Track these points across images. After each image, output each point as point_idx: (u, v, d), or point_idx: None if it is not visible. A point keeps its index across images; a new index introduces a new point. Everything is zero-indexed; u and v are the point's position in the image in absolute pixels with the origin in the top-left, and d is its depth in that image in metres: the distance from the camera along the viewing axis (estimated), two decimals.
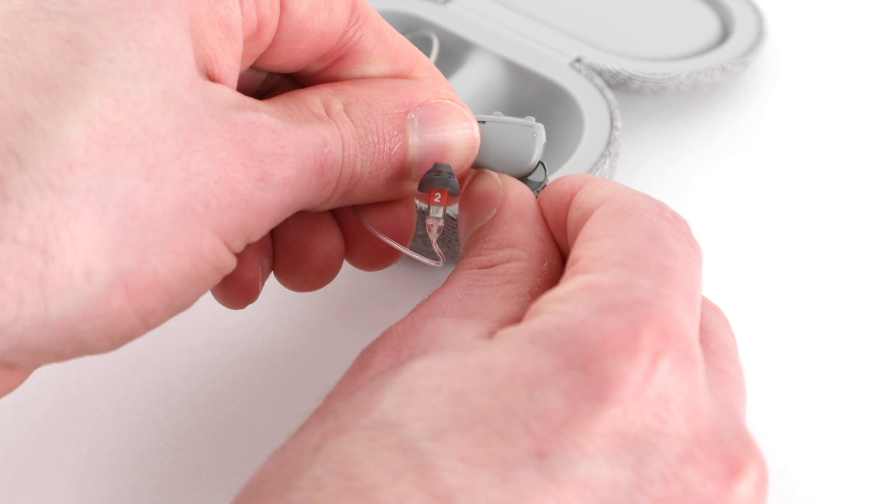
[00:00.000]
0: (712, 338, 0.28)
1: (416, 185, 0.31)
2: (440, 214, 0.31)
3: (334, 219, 0.32)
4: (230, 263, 0.27)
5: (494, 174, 0.31)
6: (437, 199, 0.30)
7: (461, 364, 0.24)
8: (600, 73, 0.44)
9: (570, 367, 0.23)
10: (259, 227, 0.27)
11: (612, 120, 0.42)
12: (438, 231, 0.31)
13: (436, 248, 0.32)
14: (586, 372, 0.23)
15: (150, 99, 0.24)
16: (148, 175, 0.24)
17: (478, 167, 0.32)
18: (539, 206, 0.31)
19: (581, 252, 0.27)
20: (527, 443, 0.22)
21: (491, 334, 0.26)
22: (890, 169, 0.46)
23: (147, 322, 0.26)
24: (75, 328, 0.24)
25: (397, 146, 0.30)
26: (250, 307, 0.34)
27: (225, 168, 0.25)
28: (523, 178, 0.32)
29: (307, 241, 0.31)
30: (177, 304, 0.26)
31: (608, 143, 0.41)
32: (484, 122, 0.32)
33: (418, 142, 0.30)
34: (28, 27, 0.24)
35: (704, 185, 0.45)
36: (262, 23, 0.28)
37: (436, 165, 0.30)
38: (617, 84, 0.44)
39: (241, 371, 0.37)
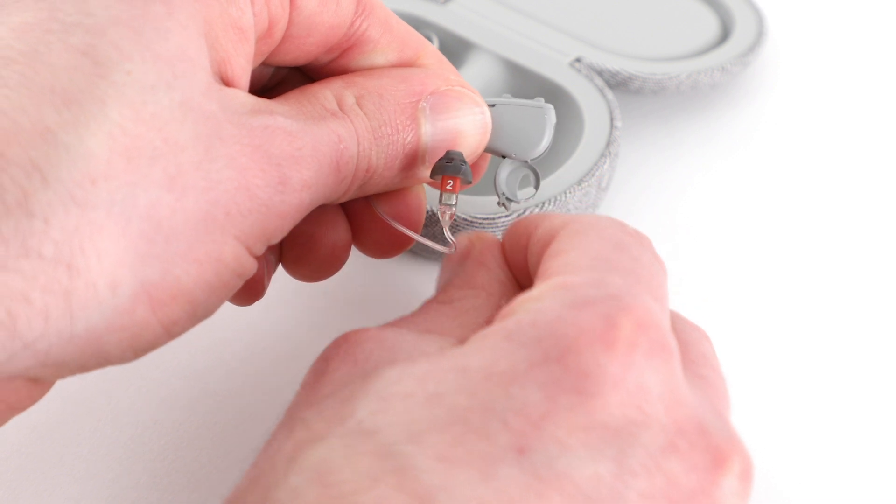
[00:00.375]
0: (692, 349, 0.28)
1: (428, 172, 0.31)
2: (453, 201, 0.31)
3: (340, 208, 0.32)
4: (251, 268, 0.27)
5: (468, 236, 0.32)
6: (449, 186, 0.31)
7: (434, 368, 0.24)
8: (600, 73, 0.44)
9: (547, 362, 0.23)
10: (279, 230, 0.27)
11: (612, 120, 0.42)
12: (451, 218, 0.31)
13: (448, 234, 0.32)
14: (563, 365, 0.23)
15: (169, 109, 0.24)
16: (170, 186, 0.24)
17: (490, 151, 0.32)
18: (502, 253, 0.31)
19: (549, 265, 0.27)
20: (506, 439, 0.22)
21: (452, 346, 0.26)
22: (890, 169, 0.46)
23: (170, 332, 0.26)
24: (100, 341, 0.24)
25: (410, 135, 0.30)
26: (251, 307, 0.34)
27: (244, 174, 0.26)
28: (535, 160, 0.33)
29: (314, 231, 0.32)
30: (200, 313, 0.26)
31: (608, 143, 0.41)
32: (494, 105, 0.32)
33: (431, 130, 0.30)
34: (44, 39, 0.24)
35: (704, 185, 0.45)
36: (273, 20, 0.28)
37: (448, 153, 0.30)
38: (617, 84, 0.44)
39: (242, 371, 0.37)
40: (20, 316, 0.22)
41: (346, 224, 0.32)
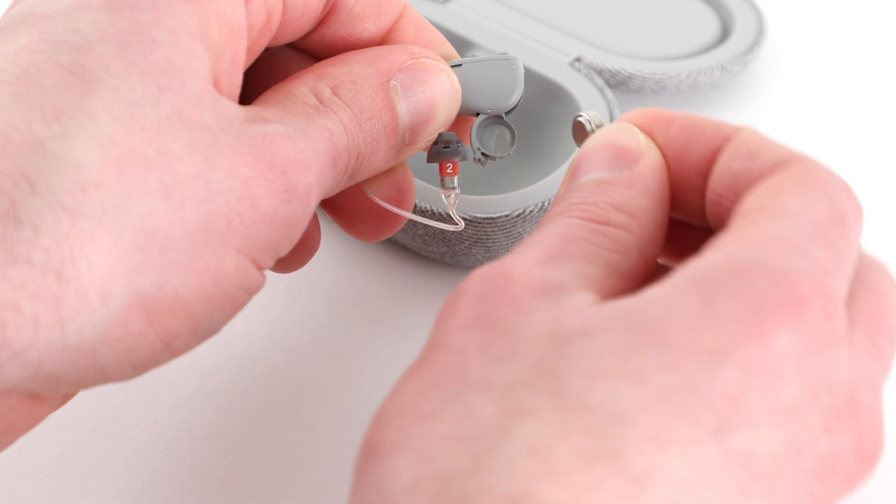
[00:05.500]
0: (884, 320, 0.26)
1: (411, 150, 0.31)
2: (455, 184, 0.31)
3: None
4: (258, 282, 0.26)
5: (636, 130, 0.29)
6: (449, 170, 0.31)
7: (633, 341, 0.23)
8: (600, 73, 0.44)
9: (748, 340, 0.23)
10: (286, 240, 0.27)
11: (611, 119, 0.42)
12: (456, 198, 0.32)
13: (454, 214, 0.32)
14: (761, 346, 0.23)
15: (157, 122, 0.24)
16: (166, 195, 0.24)
17: (463, 111, 0.32)
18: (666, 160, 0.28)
19: (766, 203, 0.25)
20: (708, 420, 0.22)
21: (597, 298, 0.25)
22: (890, 169, 0.46)
23: (170, 346, 0.25)
24: (95, 353, 0.24)
25: (388, 116, 0.30)
26: (251, 307, 0.34)
27: (246, 184, 0.25)
28: (507, 113, 0.32)
29: None
30: (203, 328, 0.25)
31: None
32: (460, 65, 0.32)
33: (405, 107, 0.30)
34: (34, 60, 0.24)
35: None
36: (270, 11, 0.28)
37: (440, 136, 0.30)
38: (617, 83, 0.44)
39: (242, 370, 0.37)
40: (9, 324, 0.22)
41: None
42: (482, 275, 0.25)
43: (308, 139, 0.27)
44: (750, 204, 0.26)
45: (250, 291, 0.26)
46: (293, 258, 0.32)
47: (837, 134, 0.47)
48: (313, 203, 0.27)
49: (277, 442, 0.35)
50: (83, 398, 0.35)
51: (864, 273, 0.26)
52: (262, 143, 0.26)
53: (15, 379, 0.23)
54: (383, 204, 0.32)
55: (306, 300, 0.39)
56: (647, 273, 0.27)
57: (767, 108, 0.48)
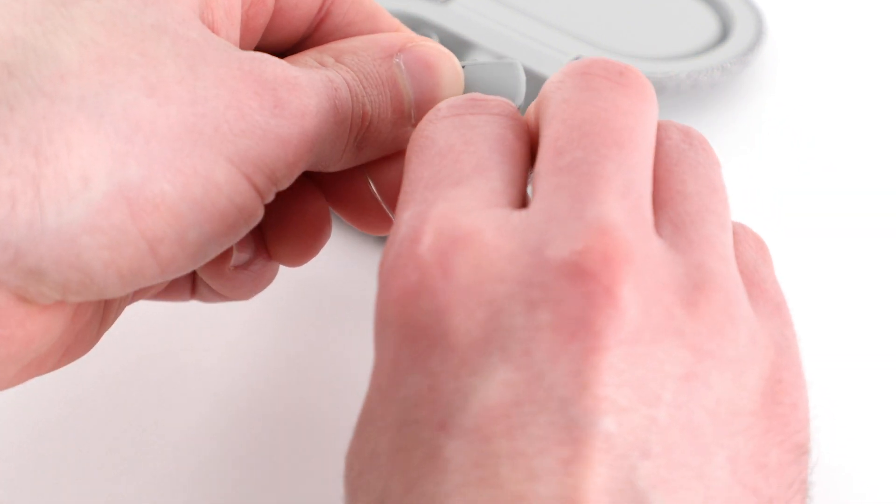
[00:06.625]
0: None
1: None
2: None
3: (315, 182, 0.32)
4: (252, 202, 0.25)
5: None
6: None
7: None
8: None
9: None
10: (283, 162, 0.25)
11: None
12: None
13: None
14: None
15: (141, 30, 0.24)
16: (150, 92, 0.23)
17: None
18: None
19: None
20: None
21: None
22: (890, 169, 0.46)
23: (156, 251, 0.24)
24: (76, 242, 0.23)
25: (393, 89, 0.29)
26: (252, 306, 0.34)
27: (235, 95, 0.24)
28: None
29: (290, 203, 0.31)
30: (190, 238, 0.24)
31: None
32: (464, 66, 0.32)
33: (410, 83, 0.30)
34: None
35: None
36: None
37: None
38: None
39: (243, 370, 0.37)
40: None
41: (320, 195, 0.31)
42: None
43: (304, 74, 0.26)
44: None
45: (244, 212, 0.25)
46: (302, 244, 0.31)
47: (837, 134, 0.47)
48: (310, 129, 0.26)
49: (278, 442, 0.35)
50: (83, 398, 0.35)
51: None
52: (249, 62, 0.25)
53: None
54: (385, 206, 0.32)
55: (307, 300, 0.39)
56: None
57: (767, 108, 0.48)
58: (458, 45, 0.45)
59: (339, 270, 0.40)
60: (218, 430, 0.35)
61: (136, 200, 0.23)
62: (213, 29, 0.26)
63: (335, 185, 0.32)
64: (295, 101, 0.25)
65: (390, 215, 0.32)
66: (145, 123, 0.23)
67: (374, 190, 0.32)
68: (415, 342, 0.22)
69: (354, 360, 0.38)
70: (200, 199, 0.24)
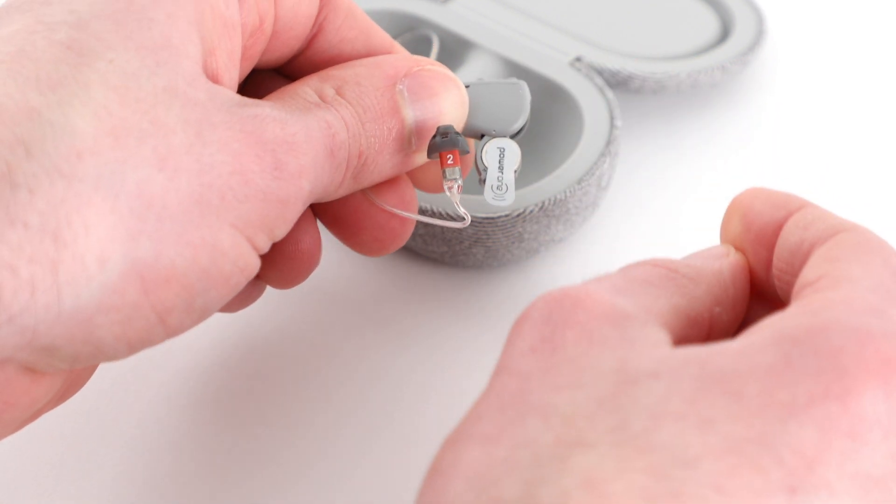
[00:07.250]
0: None
1: (419, 157, 0.31)
2: (457, 175, 0.31)
3: (310, 209, 0.32)
4: (253, 262, 0.26)
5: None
6: (450, 161, 0.31)
7: (702, 389, 0.22)
8: (600, 73, 0.44)
9: (828, 400, 0.22)
10: (281, 220, 0.27)
11: (611, 119, 0.42)
12: (459, 190, 0.31)
13: (460, 208, 0.32)
14: (843, 406, 0.22)
15: (153, 95, 0.24)
16: (161, 165, 0.24)
17: (470, 129, 0.32)
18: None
19: (826, 270, 0.25)
20: (779, 476, 0.21)
21: (669, 340, 0.24)
22: (890, 169, 0.46)
23: (165, 322, 0.25)
24: (90, 322, 0.24)
25: (394, 120, 0.30)
26: (251, 307, 0.34)
27: (238, 159, 0.25)
28: (513, 137, 0.32)
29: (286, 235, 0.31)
30: (197, 305, 0.25)
31: (608, 143, 0.41)
32: (468, 86, 0.32)
33: (412, 112, 0.30)
34: (29, 39, 0.24)
35: (704, 185, 0.45)
36: (262, 15, 0.28)
37: (438, 129, 0.30)
38: (617, 83, 0.44)
39: (243, 371, 0.37)
40: (5, 286, 0.22)
41: (315, 224, 0.32)
42: (548, 297, 0.25)
43: (301, 125, 0.27)
44: (809, 273, 0.26)
45: (245, 272, 0.26)
46: (293, 272, 0.32)
47: (837, 134, 0.47)
48: (306, 187, 0.27)
49: (278, 443, 0.35)
50: (83, 398, 0.35)
51: None
52: (251, 122, 0.26)
53: (11, 346, 0.23)
54: (387, 207, 0.32)
55: (306, 300, 0.39)
56: (713, 330, 0.27)
57: (767, 108, 0.48)
58: (459, 45, 0.45)
59: (336, 269, 0.40)
60: (218, 431, 0.35)
61: (149, 276, 0.24)
62: (216, 75, 0.27)
63: (330, 207, 0.32)
64: (293, 163, 0.26)
65: (393, 211, 0.32)
66: (157, 199, 0.24)
67: (372, 196, 0.32)
68: (829, 407, 0.22)
69: (353, 358, 0.38)
70: (208, 267, 0.25)
